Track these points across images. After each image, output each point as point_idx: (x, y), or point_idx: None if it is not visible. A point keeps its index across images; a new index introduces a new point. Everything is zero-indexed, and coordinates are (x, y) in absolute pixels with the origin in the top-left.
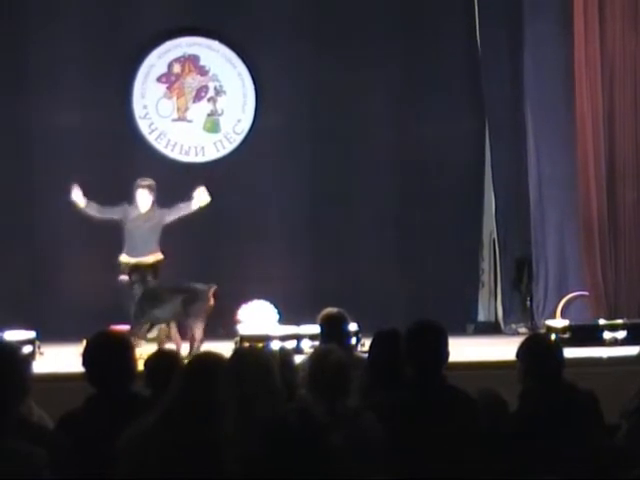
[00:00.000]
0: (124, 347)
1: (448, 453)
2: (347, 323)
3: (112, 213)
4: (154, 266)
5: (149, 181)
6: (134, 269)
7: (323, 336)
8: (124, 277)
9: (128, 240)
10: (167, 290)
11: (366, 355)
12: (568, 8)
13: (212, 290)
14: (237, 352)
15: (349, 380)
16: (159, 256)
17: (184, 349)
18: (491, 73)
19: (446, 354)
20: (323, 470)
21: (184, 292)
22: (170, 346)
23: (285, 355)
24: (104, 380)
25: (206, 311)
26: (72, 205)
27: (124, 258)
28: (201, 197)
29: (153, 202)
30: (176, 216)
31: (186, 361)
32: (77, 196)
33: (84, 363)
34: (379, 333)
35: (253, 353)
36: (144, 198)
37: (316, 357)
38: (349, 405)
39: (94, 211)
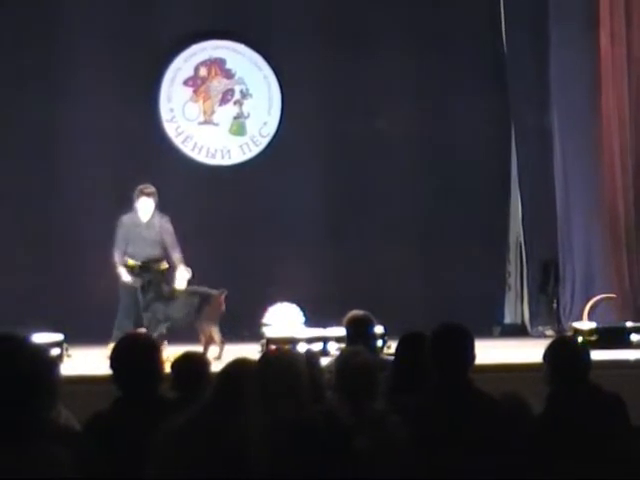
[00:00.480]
0: (151, 349)
1: (473, 456)
2: (373, 325)
3: (124, 242)
4: (162, 273)
5: (152, 188)
6: (141, 271)
7: (349, 338)
8: (129, 279)
9: (132, 246)
10: (183, 292)
11: (392, 357)
12: (594, 11)
13: (223, 295)
14: (265, 355)
15: (375, 382)
16: (165, 265)
17: (210, 352)
18: (517, 76)
19: (472, 357)
20: (348, 471)
21: (199, 295)
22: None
23: (311, 357)
24: (131, 382)
25: (218, 316)
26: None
27: (130, 261)
28: (182, 277)
29: (154, 210)
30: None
31: (214, 365)
32: (125, 275)
33: (111, 365)
34: (405, 336)
35: (281, 355)
36: (147, 206)
37: (342, 358)
38: (376, 407)
39: (122, 257)
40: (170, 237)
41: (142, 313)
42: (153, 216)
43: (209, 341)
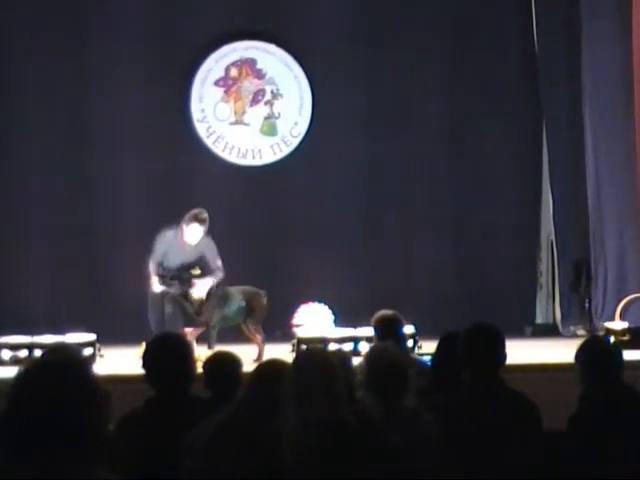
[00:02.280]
0: (184, 349)
1: (505, 455)
2: (402, 325)
3: (162, 256)
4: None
5: (205, 214)
6: (177, 275)
7: (378, 338)
8: (160, 289)
9: (168, 261)
10: (235, 292)
11: (422, 357)
12: (626, 7)
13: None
14: (300, 353)
15: (406, 378)
16: (197, 270)
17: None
18: (549, 72)
19: (503, 357)
20: (381, 471)
21: (248, 294)
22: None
23: (344, 358)
24: (164, 382)
25: (263, 315)
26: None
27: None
28: (203, 285)
29: (202, 237)
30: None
31: (254, 365)
32: (157, 285)
33: (144, 365)
34: (445, 335)
35: (316, 354)
36: (197, 233)
37: (372, 354)
38: (407, 405)
39: (156, 267)
40: (209, 251)
41: (195, 317)
42: (200, 242)
43: (253, 340)
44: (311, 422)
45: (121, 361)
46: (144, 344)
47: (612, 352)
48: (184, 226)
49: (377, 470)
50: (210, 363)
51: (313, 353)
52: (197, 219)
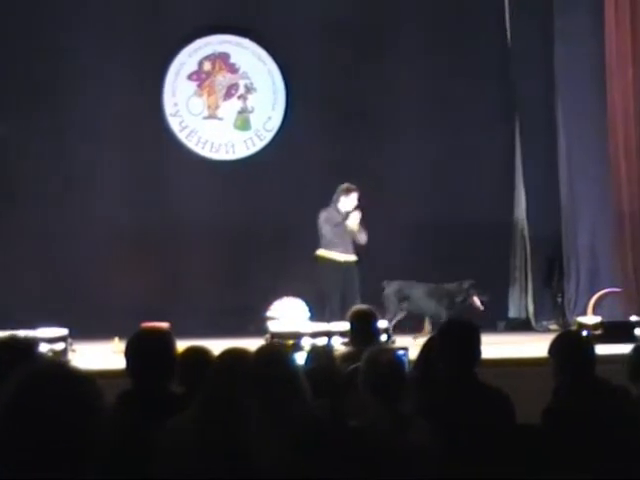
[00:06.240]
0: (168, 343)
1: (480, 450)
2: (376, 320)
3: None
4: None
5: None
6: (338, 267)
7: (353, 333)
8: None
9: (340, 239)
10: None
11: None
12: (599, 1)
13: None
14: (260, 352)
15: (403, 379)
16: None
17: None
18: (521, 67)
19: (478, 352)
20: (355, 470)
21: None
22: None
23: (329, 352)
24: (145, 374)
25: None
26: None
27: (339, 257)
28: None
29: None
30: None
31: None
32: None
33: (127, 355)
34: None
35: (276, 353)
36: (354, 201)
37: (370, 357)
38: (404, 407)
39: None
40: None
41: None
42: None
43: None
44: (277, 420)
45: (93, 356)
46: (116, 339)
47: (584, 346)
48: (342, 197)
49: (350, 469)
50: (182, 357)
51: (271, 351)
52: (355, 189)
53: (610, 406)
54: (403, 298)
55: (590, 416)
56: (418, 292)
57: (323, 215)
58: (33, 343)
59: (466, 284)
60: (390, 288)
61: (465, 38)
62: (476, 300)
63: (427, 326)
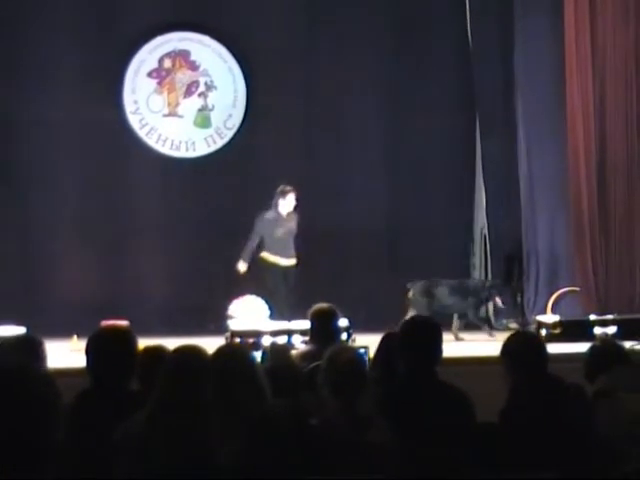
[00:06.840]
0: (129, 341)
1: (440, 449)
2: (337, 318)
3: (257, 238)
4: (295, 268)
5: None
6: (281, 271)
7: (313, 331)
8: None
9: (274, 243)
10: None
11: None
12: (559, 2)
13: None
14: (220, 352)
15: (364, 377)
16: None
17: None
18: (482, 67)
19: (440, 350)
20: (313, 466)
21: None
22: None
23: (284, 350)
24: (106, 373)
25: None
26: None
27: (274, 259)
28: None
29: (295, 207)
30: None
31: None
32: (243, 267)
33: (88, 353)
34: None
35: (236, 352)
36: (292, 202)
37: (331, 355)
38: (364, 405)
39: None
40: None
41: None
42: (292, 212)
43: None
44: (237, 418)
45: (51, 354)
46: (75, 337)
47: (535, 345)
48: (280, 200)
49: (309, 465)
50: (141, 357)
51: (230, 351)
52: (292, 190)
53: (563, 404)
54: (430, 297)
55: (544, 414)
56: (443, 290)
57: (258, 219)
58: None
59: (488, 282)
60: (415, 289)
61: (425, 38)
62: (498, 300)
63: (455, 322)
